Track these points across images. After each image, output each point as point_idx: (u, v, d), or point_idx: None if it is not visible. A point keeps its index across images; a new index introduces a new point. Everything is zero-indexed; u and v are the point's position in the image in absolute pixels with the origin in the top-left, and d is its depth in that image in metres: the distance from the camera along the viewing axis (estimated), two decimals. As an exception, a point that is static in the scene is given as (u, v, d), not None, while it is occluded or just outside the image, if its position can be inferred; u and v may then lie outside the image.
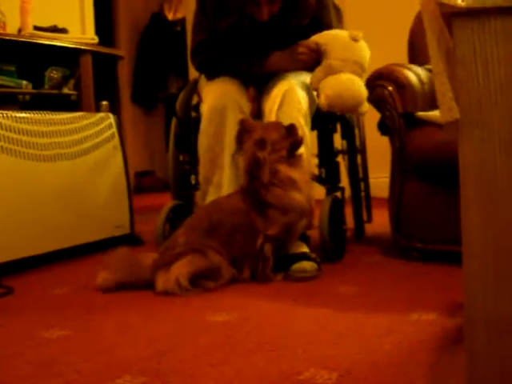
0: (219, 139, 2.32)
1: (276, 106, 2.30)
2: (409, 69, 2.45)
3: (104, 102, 3.29)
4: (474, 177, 0.78)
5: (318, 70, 2.32)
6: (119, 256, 2.07)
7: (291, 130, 2.15)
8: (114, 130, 2.97)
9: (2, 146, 2.39)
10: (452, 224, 2.16)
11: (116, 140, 2.96)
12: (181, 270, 1.98)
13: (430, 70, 2.56)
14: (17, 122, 2.49)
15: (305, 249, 2.19)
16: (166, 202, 2.74)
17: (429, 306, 1.71)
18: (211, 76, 2.47)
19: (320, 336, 1.53)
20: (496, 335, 0.76)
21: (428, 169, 2.21)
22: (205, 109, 2.36)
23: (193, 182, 2.57)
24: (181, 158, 2.67)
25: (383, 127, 2.46)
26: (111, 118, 2.98)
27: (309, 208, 2.15)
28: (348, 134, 2.66)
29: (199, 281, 2.00)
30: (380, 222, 2.86)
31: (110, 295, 1.99)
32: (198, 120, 2.45)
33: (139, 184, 5.84)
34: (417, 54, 2.72)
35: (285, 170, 2.12)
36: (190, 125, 2.63)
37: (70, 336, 1.61)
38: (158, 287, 1.97)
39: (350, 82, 2.28)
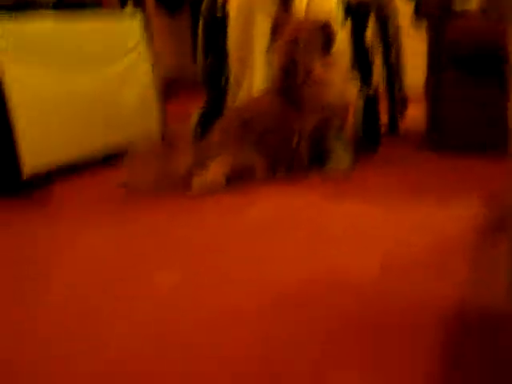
0: (247, 38, 2.29)
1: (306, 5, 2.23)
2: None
3: (129, 6, 3.22)
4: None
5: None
6: (152, 154, 2.06)
7: (324, 28, 2.09)
8: (140, 34, 2.92)
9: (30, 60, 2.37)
10: (489, 119, 2.15)
11: (141, 46, 2.92)
12: (217, 170, 1.99)
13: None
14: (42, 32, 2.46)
15: (339, 145, 2.18)
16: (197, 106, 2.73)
17: (463, 200, 1.71)
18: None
19: (357, 232, 1.55)
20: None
21: (466, 60, 2.14)
22: (232, 7, 2.31)
23: (223, 82, 2.54)
24: (209, 59, 2.62)
25: (419, 12, 2.38)
26: (139, 20, 2.92)
27: (343, 105, 2.12)
28: (382, 30, 2.56)
29: (235, 179, 2.01)
30: (414, 115, 2.81)
31: (143, 199, 1.99)
32: (225, 20, 2.40)
33: (168, 90, 5.79)
34: None
35: (319, 69, 2.07)
36: (217, 25, 2.56)
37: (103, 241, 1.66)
38: (195, 187, 1.99)
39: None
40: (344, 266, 1.32)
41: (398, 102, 2.74)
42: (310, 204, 1.80)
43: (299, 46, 2.04)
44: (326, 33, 2.10)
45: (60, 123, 2.47)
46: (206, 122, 2.50)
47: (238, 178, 2.01)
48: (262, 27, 2.22)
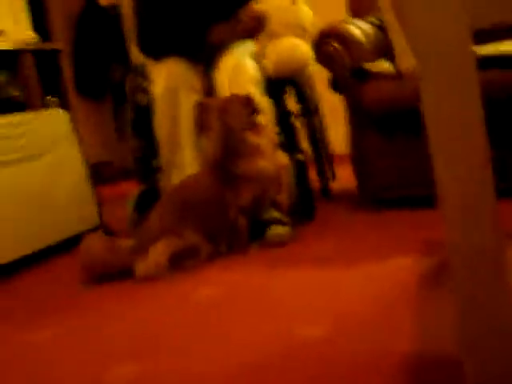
0: (175, 120, 2.33)
1: (227, 79, 2.31)
2: (352, 23, 2.47)
3: (52, 98, 3.24)
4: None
5: (262, 37, 2.35)
6: (96, 246, 2.06)
7: (247, 100, 2.17)
8: (67, 125, 2.93)
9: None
10: (414, 168, 2.25)
11: (71, 135, 2.93)
12: (159, 252, 1.99)
13: (371, 23, 2.60)
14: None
15: (276, 214, 2.23)
16: (129, 189, 2.74)
17: (404, 251, 1.77)
18: (158, 57, 2.45)
19: (305, 296, 1.58)
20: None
21: (385, 119, 2.26)
22: (157, 91, 2.36)
23: (155, 165, 2.57)
24: (139, 143, 2.66)
25: (335, 85, 2.50)
26: (65, 116, 2.94)
27: (276, 174, 2.18)
28: (301, 97, 2.69)
29: (178, 261, 2.02)
30: (343, 177, 2.91)
31: (92, 288, 1.99)
32: (151, 103, 2.45)
33: (98, 175, 5.77)
34: (356, 8, 2.75)
35: (251, 137, 2.14)
36: (144, 108, 2.61)
37: (60, 333, 1.63)
38: (138, 272, 1.98)
39: (292, 45, 2.32)
40: (296, 333, 1.33)
41: (327, 165, 2.83)
42: (255, 278, 1.82)
43: (230, 116, 2.11)
44: (249, 104, 2.17)
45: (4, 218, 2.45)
46: (143, 205, 2.51)
47: (181, 260, 2.02)
48: (188, 103, 2.28)
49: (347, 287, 1.59)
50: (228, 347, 1.34)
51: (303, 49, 2.30)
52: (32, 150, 2.70)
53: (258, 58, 2.37)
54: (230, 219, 2.10)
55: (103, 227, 2.95)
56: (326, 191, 2.84)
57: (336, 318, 1.38)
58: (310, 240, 2.13)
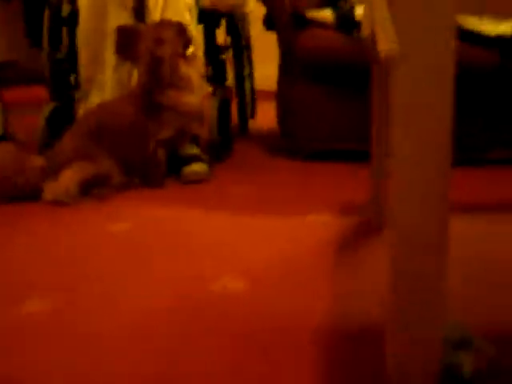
0: (100, 36, 2.20)
1: (161, 2, 2.19)
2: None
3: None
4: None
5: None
6: (4, 164, 1.93)
7: (181, 28, 2.07)
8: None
9: None
10: (342, 123, 2.26)
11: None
12: (70, 177, 1.90)
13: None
14: None
15: (195, 150, 2.18)
16: (37, 95, 2.58)
17: (322, 207, 1.79)
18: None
19: (221, 241, 1.57)
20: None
21: (319, 70, 2.23)
22: (83, 2, 2.20)
23: (73, 81, 2.42)
24: (55, 55, 2.48)
25: (269, 23, 2.44)
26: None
27: (202, 109, 2.12)
28: (233, 30, 2.61)
29: (90, 188, 1.94)
30: (265, 116, 2.88)
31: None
32: (75, 13, 2.29)
33: (1, 76, 5.41)
34: None
35: (184, 68, 2.06)
36: (63, 17, 2.43)
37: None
38: (47, 196, 1.89)
39: None
40: (212, 279, 1.32)
41: (249, 103, 2.79)
42: (172, 215, 1.79)
43: (164, 44, 2.01)
44: (183, 33, 2.08)
45: None
46: (55, 122, 2.38)
47: (92, 187, 1.94)
48: (116, 20, 2.15)
49: (267, 240, 1.58)
50: (147, 288, 1.31)
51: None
52: None
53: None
54: (148, 151, 2.03)
55: (8, 135, 2.78)
56: (243, 129, 2.81)
57: (253, 273, 1.38)
58: (226, 181, 2.10)
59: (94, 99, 2.24)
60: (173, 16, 2.14)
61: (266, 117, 2.81)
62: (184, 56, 2.08)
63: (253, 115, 2.86)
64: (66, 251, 1.54)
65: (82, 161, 1.94)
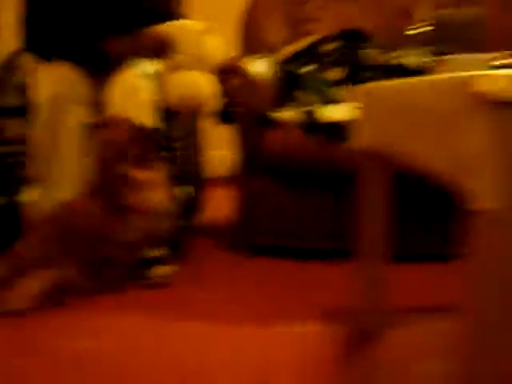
0: (57, 131, 2.10)
1: (121, 99, 2.15)
2: (253, 62, 2.43)
3: None
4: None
5: (165, 65, 2.22)
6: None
7: (137, 130, 2.02)
8: None
9: None
10: (299, 220, 2.28)
11: None
12: (33, 284, 1.77)
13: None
14: None
15: (159, 252, 2.10)
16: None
17: (307, 314, 1.73)
18: (46, 57, 2.20)
19: (185, 358, 1.48)
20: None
21: (283, 168, 2.25)
22: (40, 97, 2.11)
23: (19, 176, 2.28)
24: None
25: (226, 118, 2.46)
26: None
27: (168, 209, 2.06)
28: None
29: (55, 295, 1.81)
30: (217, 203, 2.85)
31: None
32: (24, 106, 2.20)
33: None
34: (251, 44, 2.74)
35: (135, 172, 1.99)
36: (11, 110, 2.34)
37: None
38: (6, 305, 1.74)
39: (194, 81, 2.22)
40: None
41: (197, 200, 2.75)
42: (137, 326, 1.69)
43: (111, 147, 1.96)
44: (140, 135, 2.03)
45: None
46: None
47: (58, 294, 1.81)
48: (74, 115, 2.09)
49: (236, 356, 1.50)
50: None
51: (205, 85, 2.21)
52: None
53: (156, 80, 2.24)
54: (112, 254, 1.93)
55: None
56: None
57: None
58: (193, 286, 2.03)
59: (47, 195, 2.13)
60: (132, 113, 2.10)
61: (220, 206, 2.78)
62: (139, 159, 2.01)
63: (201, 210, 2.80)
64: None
65: (48, 266, 1.81)
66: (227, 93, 2.34)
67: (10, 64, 2.44)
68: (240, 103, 2.32)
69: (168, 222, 2.09)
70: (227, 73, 2.35)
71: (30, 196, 2.19)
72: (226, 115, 2.41)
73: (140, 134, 2.02)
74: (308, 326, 1.66)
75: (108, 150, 1.96)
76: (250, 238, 2.33)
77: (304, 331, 1.62)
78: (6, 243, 1.90)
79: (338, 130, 2.15)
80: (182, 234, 2.28)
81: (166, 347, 1.54)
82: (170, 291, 1.97)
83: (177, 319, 1.72)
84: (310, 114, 2.24)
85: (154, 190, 2.01)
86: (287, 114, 2.26)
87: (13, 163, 2.31)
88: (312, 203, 2.25)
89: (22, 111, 2.23)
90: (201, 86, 2.21)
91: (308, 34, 3.10)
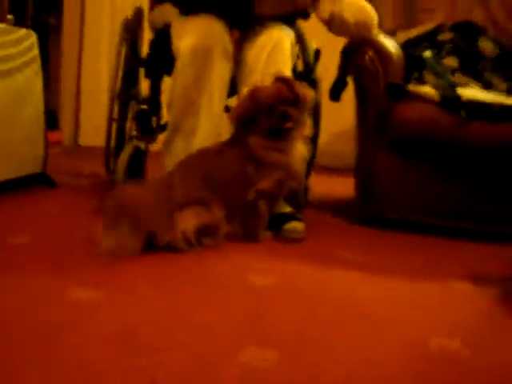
0: (200, 85, 2.09)
1: (264, 55, 2.15)
2: (386, 39, 2.44)
3: (9, 16, 2.80)
4: None
5: (324, 2, 2.23)
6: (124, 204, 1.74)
7: (291, 84, 2.02)
8: (36, 51, 2.55)
9: None
10: (425, 196, 2.26)
11: (37, 64, 2.56)
12: (187, 222, 1.77)
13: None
14: None
15: (290, 209, 2.10)
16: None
17: (455, 276, 1.74)
18: (190, 10, 2.22)
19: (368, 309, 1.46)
20: None
21: (413, 143, 2.23)
22: (183, 48, 2.09)
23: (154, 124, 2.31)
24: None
25: (335, 93, 2.46)
26: (33, 37, 2.55)
27: (300, 167, 2.05)
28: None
29: (200, 237, 1.81)
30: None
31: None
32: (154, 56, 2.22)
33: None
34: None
35: (287, 124, 1.96)
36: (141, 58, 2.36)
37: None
38: (162, 240, 1.74)
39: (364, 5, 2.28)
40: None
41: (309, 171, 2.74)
42: (292, 271, 1.69)
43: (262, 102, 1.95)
44: (293, 90, 2.01)
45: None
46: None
47: (203, 235, 1.81)
48: (219, 69, 2.09)
49: (416, 307, 1.50)
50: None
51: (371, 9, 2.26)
52: (3, 66, 2.31)
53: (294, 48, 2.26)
54: (249, 200, 1.92)
55: (46, 176, 2.60)
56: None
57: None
58: (331, 243, 2.03)
59: (178, 146, 2.14)
60: (274, 69, 2.10)
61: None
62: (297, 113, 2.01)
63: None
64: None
65: (197, 206, 1.81)
66: (359, 65, 2.34)
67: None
68: (372, 76, 2.31)
69: (301, 177, 2.08)
70: (362, 45, 2.35)
71: (164, 142, 2.19)
72: (335, 91, 2.42)
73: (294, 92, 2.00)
74: (462, 283, 1.66)
75: (256, 103, 1.94)
76: (377, 212, 2.31)
77: (459, 288, 1.63)
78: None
79: (481, 109, 2.15)
80: (305, 196, 2.28)
81: (326, 291, 1.54)
82: (306, 246, 1.96)
83: (327, 272, 1.71)
84: (451, 90, 2.24)
85: (295, 144, 2.00)
86: (425, 89, 2.25)
87: (148, 111, 2.32)
88: (443, 181, 2.24)
89: (166, 62, 2.24)
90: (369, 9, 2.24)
91: (420, 23, 3.13)
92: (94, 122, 3.93)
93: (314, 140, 2.67)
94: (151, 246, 1.72)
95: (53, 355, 1.07)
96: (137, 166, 2.33)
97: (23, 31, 2.51)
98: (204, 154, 1.98)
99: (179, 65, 2.10)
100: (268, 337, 1.22)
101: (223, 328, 1.24)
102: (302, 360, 1.13)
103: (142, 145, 2.35)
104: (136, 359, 1.07)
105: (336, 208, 2.64)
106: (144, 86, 2.48)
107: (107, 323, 1.22)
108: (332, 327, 1.30)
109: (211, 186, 1.87)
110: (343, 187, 2.91)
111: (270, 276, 1.60)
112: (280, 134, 1.95)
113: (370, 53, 2.32)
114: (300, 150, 2.02)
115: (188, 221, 1.77)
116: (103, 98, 3.95)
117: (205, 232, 1.82)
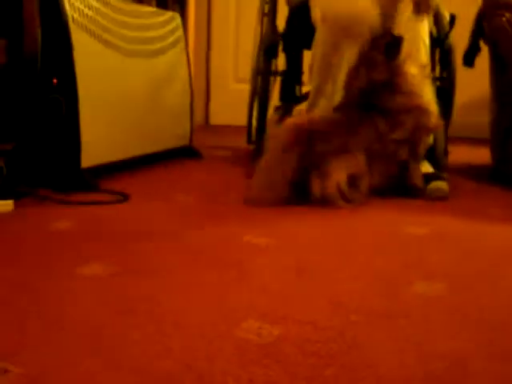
0: (338, 51, 2.19)
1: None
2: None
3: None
4: None
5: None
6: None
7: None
8: (181, 31, 2.75)
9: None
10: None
11: (182, 44, 2.75)
12: (340, 174, 1.82)
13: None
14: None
15: (433, 170, 2.16)
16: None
17: None
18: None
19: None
20: None
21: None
22: (327, 16, 2.20)
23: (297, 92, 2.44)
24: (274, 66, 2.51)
25: (469, 59, 2.46)
26: (178, 19, 2.75)
27: (434, 114, 2.02)
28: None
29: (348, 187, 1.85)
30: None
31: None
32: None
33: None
34: None
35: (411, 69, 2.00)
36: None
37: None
38: (315, 193, 1.81)
39: None
40: None
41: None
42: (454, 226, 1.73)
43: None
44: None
45: (118, 114, 2.24)
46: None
47: (353, 187, 1.86)
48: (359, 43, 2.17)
49: None
50: None
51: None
52: (155, 45, 2.52)
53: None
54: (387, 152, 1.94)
55: (192, 149, 2.78)
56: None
57: None
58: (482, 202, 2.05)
59: (322, 108, 2.25)
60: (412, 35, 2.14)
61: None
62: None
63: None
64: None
65: (348, 155, 1.86)
66: (495, 28, 2.34)
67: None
68: (510, 39, 2.31)
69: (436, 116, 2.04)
70: (498, 7, 2.35)
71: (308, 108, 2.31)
72: (470, 56, 2.42)
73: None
74: None
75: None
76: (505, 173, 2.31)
77: None
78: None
79: None
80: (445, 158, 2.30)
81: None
82: (455, 203, 2.00)
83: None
84: None
85: (422, 86, 2.01)
86: None
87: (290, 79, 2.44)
88: None
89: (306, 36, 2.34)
90: None
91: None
92: (223, 102, 4.11)
93: (448, 108, 2.69)
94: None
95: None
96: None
97: (169, 14, 2.70)
98: (343, 108, 2.02)
99: (319, 33, 2.21)
100: (434, 272, 1.30)
101: (392, 268, 1.34)
102: (469, 291, 1.21)
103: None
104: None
105: (473, 172, 2.65)
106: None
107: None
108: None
109: (355, 133, 1.92)
110: (477, 155, 2.91)
111: (424, 227, 1.66)
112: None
113: (508, 15, 2.32)
114: (426, 91, 2.03)
115: (341, 172, 1.82)
116: (231, 80, 4.12)
117: (352, 183, 1.85)
